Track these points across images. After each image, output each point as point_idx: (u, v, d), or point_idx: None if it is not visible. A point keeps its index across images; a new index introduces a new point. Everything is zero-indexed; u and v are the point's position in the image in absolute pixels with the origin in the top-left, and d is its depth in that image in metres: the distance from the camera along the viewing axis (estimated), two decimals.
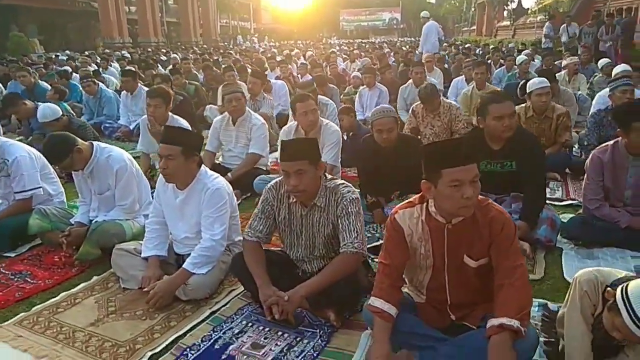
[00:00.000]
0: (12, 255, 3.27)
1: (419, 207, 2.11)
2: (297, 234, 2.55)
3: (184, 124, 4.55)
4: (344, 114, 5.15)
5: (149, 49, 24.32)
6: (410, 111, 5.30)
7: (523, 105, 4.75)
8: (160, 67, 11.88)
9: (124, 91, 6.77)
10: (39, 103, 5.54)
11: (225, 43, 33.09)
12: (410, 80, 7.13)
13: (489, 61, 11.21)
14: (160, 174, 2.85)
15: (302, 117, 3.85)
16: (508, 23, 27.52)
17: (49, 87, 7.77)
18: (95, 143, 3.23)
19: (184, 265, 2.62)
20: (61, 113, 4.86)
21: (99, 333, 2.36)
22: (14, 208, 3.42)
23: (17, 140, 4.40)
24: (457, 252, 2.06)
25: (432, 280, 2.17)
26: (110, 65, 12.21)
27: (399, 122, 3.74)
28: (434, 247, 2.09)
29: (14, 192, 3.42)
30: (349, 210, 2.37)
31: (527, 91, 4.69)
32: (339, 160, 4.07)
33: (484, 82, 6.33)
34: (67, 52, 21.11)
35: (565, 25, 14.06)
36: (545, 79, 4.63)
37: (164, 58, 17.02)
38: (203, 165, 2.82)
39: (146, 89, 6.74)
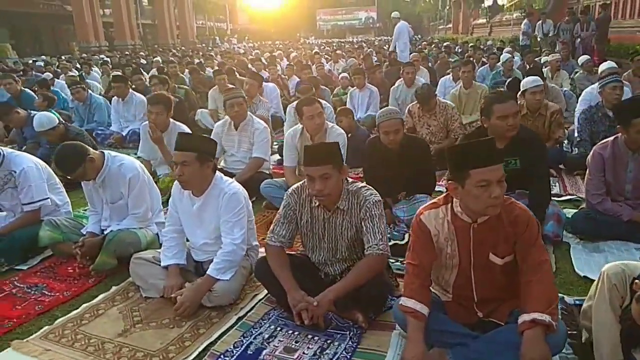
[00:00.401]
0: (25, 268, 3.23)
1: (444, 208, 2.18)
2: (319, 237, 2.59)
3: (186, 129, 4.53)
4: (342, 116, 5.20)
5: (127, 52, 24.00)
6: (406, 111, 5.37)
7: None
8: (142, 70, 11.75)
9: (115, 97, 6.70)
10: (32, 112, 5.47)
11: (204, 45, 32.80)
12: (401, 80, 7.20)
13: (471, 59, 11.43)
14: (176, 181, 2.86)
15: (309, 121, 3.88)
16: (484, 21, 27.97)
17: (34, 94, 7.65)
18: (105, 152, 3.21)
19: (208, 272, 2.63)
20: (57, 121, 4.80)
21: (128, 343, 2.36)
22: (22, 220, 3.37)
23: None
24: (482, 250, 2.13)
25: (458, 279, 2.24)
26: (92, 70, 12.01)
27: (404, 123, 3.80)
28: (460, 246, 2.16)
29: (21, 203, 3.37)
30: (373, 212, 2.42)
31: (521, 89, 4.81)
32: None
33: (470, 81, 6.45)
34: (43, 57, 20.69)
35: (540, 22, 14.39)
36: (539, 78, 4.76)
37: (143, 61, 16.81)
38: (217, 170, 2.84)
39: (137, 94, 6.72)
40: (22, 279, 3.08)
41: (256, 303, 2.68)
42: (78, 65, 14.44)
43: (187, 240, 2.97)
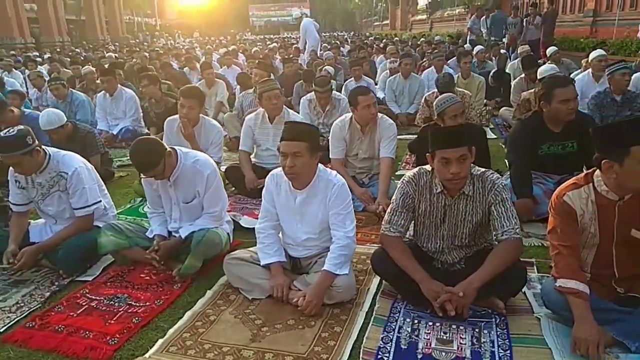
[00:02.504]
0: (89, 279, 2.90)
1: (586, 187, 2.21)
2: (436, 225, 2.52)
3: (217, 125, 4.29)
4: None
5: (57, 49, 22.43)
6: (423, 101, 5.40)
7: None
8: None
9: (102, 92, 6.20)
10: (26, 110, 4.94)
11: (137, 40, 31.30)
12: (397, 73, 7.24)
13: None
14: (270, 175, 2.71)
15: (365, 111, 3.77)
16: (424, 17, 28.78)
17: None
18: (177, 147, 2.95)
19: (326, 268, 2.47)
20: (66, 119, 4.37)
21: (268, 348, 2.17)
22: (76, 226, 3.02)
23: None
24: (626, 227, 2.18)
25: (596, 258, 2.27)
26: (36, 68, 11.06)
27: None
28: (601, 225, 2.19)
29: (74, 208, 3.02)
30: (503, 196, 2.39)
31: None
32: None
33: (469, 72, 6.64)
34: None
35: (484, 18, 15.03)
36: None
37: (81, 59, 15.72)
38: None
39: (127, 89, 6.29)
40: (94, 291, 2.76)
41: (373, 297, 2.58)
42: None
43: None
